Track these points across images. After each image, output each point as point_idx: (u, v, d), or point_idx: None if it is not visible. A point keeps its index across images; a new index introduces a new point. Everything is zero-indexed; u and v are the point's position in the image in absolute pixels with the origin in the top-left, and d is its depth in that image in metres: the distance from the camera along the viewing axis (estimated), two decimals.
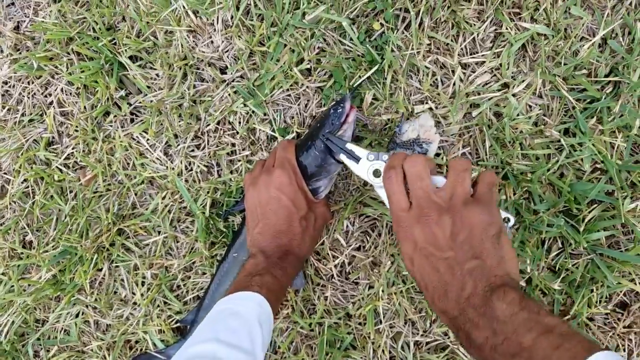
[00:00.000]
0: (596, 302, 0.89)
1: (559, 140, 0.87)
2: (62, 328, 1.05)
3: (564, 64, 0.87)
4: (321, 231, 0.91)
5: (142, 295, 1.01)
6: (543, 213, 0.87)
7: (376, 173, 0.75)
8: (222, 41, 0.92)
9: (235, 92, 0.93)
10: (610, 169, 0.85)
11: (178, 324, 1.01)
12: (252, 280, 0.75)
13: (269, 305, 0.72)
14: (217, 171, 0.97)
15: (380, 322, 0.95)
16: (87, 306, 1.03)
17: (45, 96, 1.01)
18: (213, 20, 0.92)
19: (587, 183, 0.86)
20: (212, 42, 0.93)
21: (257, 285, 0.74)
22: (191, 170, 0.96)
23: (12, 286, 1.05)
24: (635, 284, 0.87)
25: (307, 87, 0.91)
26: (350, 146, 0.78)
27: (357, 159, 0.77)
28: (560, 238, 0.90)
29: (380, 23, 0.89)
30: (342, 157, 0.78)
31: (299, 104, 0.93)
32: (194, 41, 0.94)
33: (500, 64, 0.88)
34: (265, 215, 0.82)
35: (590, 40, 0.86)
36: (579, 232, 0.86)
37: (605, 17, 0.86)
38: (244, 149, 0.95)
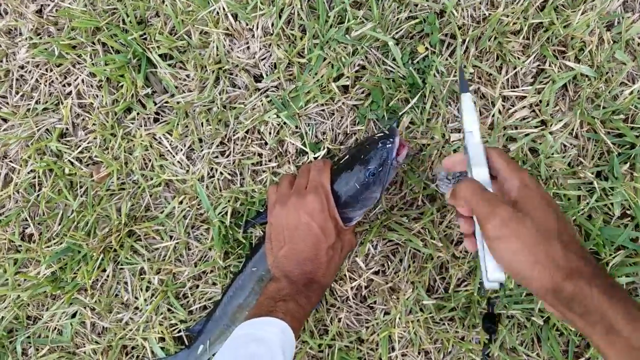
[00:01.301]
0: None
1: (592, 183, 0.88)
2: (55, 327, 1.01)
3: (603, 107, 0.88)
4: (345, 258, 0.90)
5: (145, 300, 0.98)
6: None
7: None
8: (260, 48, 0.90)
9: (269, 102, 0.91)
10: (638, 215, 0.87)
11: (181, 333, 0.99)
12: (277, 305, 0.74)
13: (292, 334, 0.71)
14: (240, 180, 0.94)
15: (393, 349, 0.94)
16: (85, 307, 1.00)
17: (64, 85, 0.97)
18: (253, 25, 0.89)
19: (615, 228, 0.88)
20: (248, 48, 0.91)
21: (281, 312, 0.73)
22: (213, 177, 0.94)
23: (7, 280, 1.00)
24: None
25: (344, 103, 0.90)
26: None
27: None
28: None
29: (426, 47, 0.88)
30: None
31: (332, 120, 0.92)
32: (230, 45, 0.91)
33: (541, 101, 0.89)
34: (292, 239, 0.80)
35: (631, 87, 0.87)
36: None
37: None
38: (270, 160, 0.93)
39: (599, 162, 0.89)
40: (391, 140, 0.77)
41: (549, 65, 0.88)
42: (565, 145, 0.90)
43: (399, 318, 0.92)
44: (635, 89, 0.87)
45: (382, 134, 0.79)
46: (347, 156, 0.83)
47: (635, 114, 0.88)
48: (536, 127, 0.89)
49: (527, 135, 0.89)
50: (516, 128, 0.89)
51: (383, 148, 0.78)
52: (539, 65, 0.89)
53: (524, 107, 0.89)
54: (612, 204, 0.88)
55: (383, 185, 0.79)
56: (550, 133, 0.88)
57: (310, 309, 0.79)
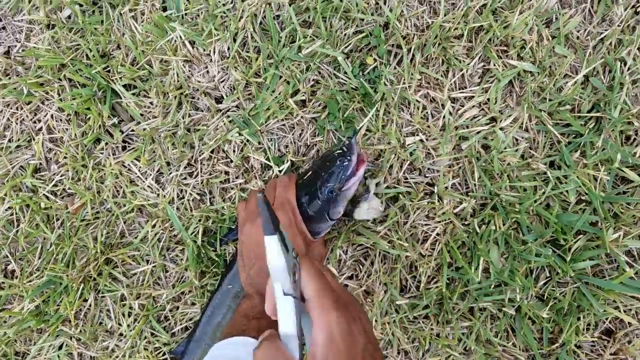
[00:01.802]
0: (583, 329, 0.93)
1: (545, 173, 0.92)
2: None
3: (549, 100, 0.93)
4: None
5: (128, 326, 1.00)
6: (531, 243, 0.91)
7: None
8: (218, 71, 0.95)
9: (230, 121, 0.95)
10: (594, 200, 0.90)
11: (166, 356, 1.01)
12: (250, 323, 0.75)
13: None
14: (210, 199, 0.98)
15: None
16: (71, 338, 1.02)
17: (35, 122, 1.01)
18: (210, 51, 0.94)
19: (573, 214, 0.91)
20: (208, 72, 0.96)
21: (254, 330, 0.74)
22: (183, 198, 0.98)
23: None
24: (620, 311, 0.91)
25: (302, 117, 0.95)
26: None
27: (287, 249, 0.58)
28: (548, 267, 0.94)
29: (374, 58, 0.93)
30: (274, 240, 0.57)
31: (293, 133, 0.96)
32: (189, 71, 0.96)
33: (488, 99, 0.93)
34: (263, 256, 0.81)
35: (574, 78, 0.92)
36: (565, 261, 0.90)
37: (587, 56, 0.93)
38: (237, 177, 0.97)
39: (551, 152, 0.94)
40: (349, 158, 0.81)
41: (493, 65, 0.93)
42: (516, 139, 0.94)
43: (376, 320, 0.95)
44: (578, 79, 0.92)
45: (340, 151, 0.83)
46: (310, 172, 0.86)
47: (580, 104, 0.93)
48: (487, 124, 0.93)
49: (478, 133, 0.93)
50: (467, 127, 0.94)
51: (341, 166, 0.81)
52: (483, 65, 0.94)
53: (473, 106, 0.94)
54: (567, 191, 0.92)
55: (341, 200, 0.83)
56: (501, 129, 0.93)
57: None
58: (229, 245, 0.98)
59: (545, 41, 0.93)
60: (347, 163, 0.81)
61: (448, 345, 0.94)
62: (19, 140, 1.01)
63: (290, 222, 0.82)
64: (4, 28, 1.02)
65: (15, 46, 1.01)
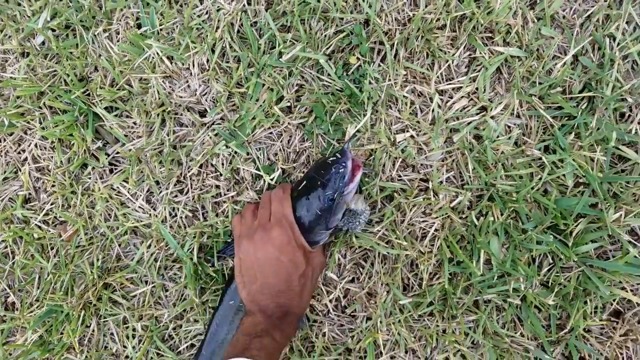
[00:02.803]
0: (591, 313, 0.93)
1: (540, 158, 0.91)
2: None
3: (539, 84, 0.92)
4: (318, 280, 0.94)
5: (133, 348, 1.01)
6: (531, 231, 0.90)
7: None
8: (200, 85, 0.94)
9: (216, 135, 0.95)
10: (592, 182, 0.90)
11: None
12: (252, 343, 0.76)
13: None
14: (203, 214, 0.98)
15: (381, 353, 0.97)
16: None
17: (19, 153, 1.01)
18: (189, 64, 0.94)
19: (571, 198, 0.91)
20: (189, 86, 0.95)
21: (255, 349, 0.75)
22: (175, 216, 0.98)
23: None
24: (627, 292, 0.91)
25: (289, 124, 0.94)
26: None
27: None
28: (551, 254, 0.93)
29: (357, 57, 0.92)
30: None
31: (281, 141, 0.95)
32: (170, 87, 0.95)
33: (477, 88, 0.93)
34: (264, 274, 0.83)
35: (563, 59, 0.92)
36: (567, 246, 0.90)
37: (575, 35, 0.92)
38: (229, 190, 0.97)
39: (545, 137, 0.93)
40: (344, 164, 0.81)
41: (479, 53, 0.92)
42: (508, 127, 0.94)
43: (380, 322, 0.95)
44: (567, 60, 0.91)
45: (334, 158, 0.83)
46: (305, 182, 0.86)
47: (571, 85, 0.92)
48: (477, 114, 0.93)
49: (469, 123, 0.92)
50: (457, 119, 0.93)
51: (337, 173, 0.81)
52: (469, 54, 0.93)
53: (462, 97, 0.93)
54: (564, 175, 0.91)
55: (340, 208, 0.83)
56: (492, 117, 0.92)
57: (285, 342, 0.82)
58: (226, 260, 0.98)
59: (530, 24, 0.92)
60: (342, 170, 0.81)
61: (455, 340, 0.94)
62: (5, 172, 1.01)
63: (289, 239, 0.82)
64: None
65: None
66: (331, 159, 0.84)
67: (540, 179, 0.91)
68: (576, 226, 0.91)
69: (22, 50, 0.98)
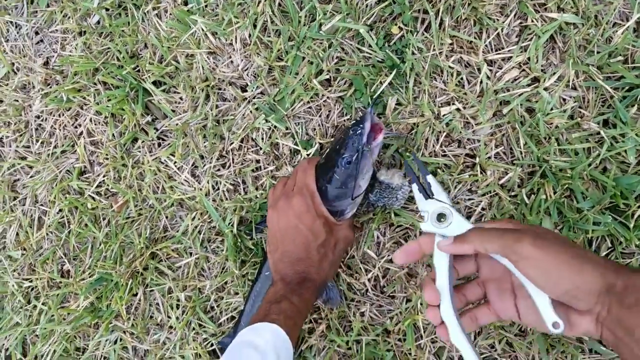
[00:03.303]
0: None
1: (599, 133, 0.85)
2: (102, 355, 1.10)
3: (597, 52, 0.85)
4: (343, 253, 0.93)
5: (177, 318, 1.04)
6: (587, 211, 0.84)
7: (440, 217, 0.68)
8: (242, 60, 0.96)
9: (256, 109, 0.96)
10: None
11: (214, 347, 1.04)
12: (271, 308, 0.78)
13: (285, 333, 0.74)
14: (244, 188, 1.00)
15: (421, 337, 0.94)
16: (124, 332, 1.07)
17: (76, 127, 1.08)
18: (232, 40, 0.96)
19: (633, 176, 0.84)
20: (232, 61, 0.97)
21: (274, 314, 0.77)
22: (218, 189, 1.00)
23: (53, 315, 1.10)
24: None
25: (328, 97, 0.93)
26: (430, 179, 0.71)
27: (427, 196, 0.70)
28: (609, 237, 0.86)
29: (399, 27, 0.90)
30: (414, 187, 0.72)
31: (320, 115, 0.95)
32: (214, 62, 0.98)
33: (529, 58, 0.87)
34: (283, 242, 0.85)
35: (624, 25, 0.85)
36: (629, 228, 0.83)
37: (638, 0, 0.85)
38: (268, 164, 0.98)
39: (603, 109, 0.86)
40: (361, 126, 0.80)
41: (531, 21, 0.87)
42: (563, 99, 0.88)
43: (421, 304, 0.92)
44: (630, 26, 0.84)
45: (354, 122, 0.82)
46: (327, 150, 0.86)
47: (633, 53, 0.85)
48: (529, 85, 0.88)
49: (520, 95, 0.87)
50: (508, 90, 0.88)
51: (354, 135, 0.80)
52: (520, 22, 0.89)
53: (512, 67, 0.88)
54: (625, 151, 0.84)
55: (360, 172, 0.81)
56: (545, 89, 0.87)
57: (305, 306, 0.82)
58: (264, 232, 0.99)
59: None
60: (360, 131, 0.80)
61: (502, 327, 0.90)
62: (63, 145, 1.08)
63: (308, 207, 0.82)
64: (41, 40, 1.09)
65: (53, 56, 1.07)
66: (352, 122, 0.83)
67: (598, 155, 0.84)
68: (638, 207, 0.83)
69: (79, 30, 1.05)
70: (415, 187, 0.71)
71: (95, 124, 1.06)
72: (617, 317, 0.55)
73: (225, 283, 1.02)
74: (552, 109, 0.87)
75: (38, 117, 1.09)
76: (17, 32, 1.10)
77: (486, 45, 0.89)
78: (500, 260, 0.62)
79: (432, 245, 0.67)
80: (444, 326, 0.64)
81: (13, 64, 1.10)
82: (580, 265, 0.56)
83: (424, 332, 0.93)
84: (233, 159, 0.99)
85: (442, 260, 0.66)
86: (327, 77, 0.93)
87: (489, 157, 0.90)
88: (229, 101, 0.98)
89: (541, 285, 0.58)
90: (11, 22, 1.10)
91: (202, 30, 0.96)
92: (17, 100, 1.09)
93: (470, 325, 0.66)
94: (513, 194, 0.89)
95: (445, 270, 0.65)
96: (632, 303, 0.54)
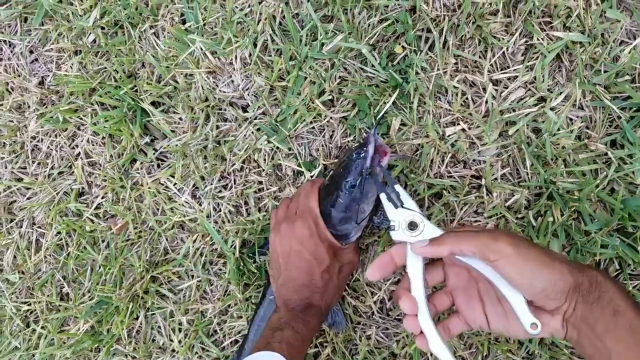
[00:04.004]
0: None
1: (606, 154, 0.85)
2: None
3: (604, 72, 0.85)
4: (347, 278, 0.92)
5: (179, 342, 1.03)
6: (595, 233, 0.84)
7: (411, 225, 0.69)
8: (242, 79, 0.95)
9: (258, 130, 0.95)
10: None
11: None
12: (273, 336, 0.78)
13: None
14: (246, 210, 0.99)
15: None
16: (126, 356, 1.07)
17: (73, 148, 1.07)
18: (231, 59, 0.95)
19: None
20: (232, 81, 0.96)
21: (276, 342, 0.76)
22: (219, 211, 0.99)
23: (52, 339, 1.09)
24: None
25: (331, 118, 0.93)
26: (399, 188, 0.72)
27: (397, 205, 0.70)
28: (617, 259, 0.86)
29: (402, 46, 0.89)
30: (382, 197, 0.72)
31: (323, 136, 0.94)
32: (214, 82, 0.97)
33: (535, 77, 0.87)
34: (287, 267, 0.84)
35: (631, 44, 0.84)
36: (637, 251, 0.83)
37: None
38: (270, 186, 0.97)
39: (611, 130, 0.86)
40: (365, 149, 0.79)
41: (537, 40, 0.87)
42: (570, 119, 0.87)
43: None
44: (637, 44, 0.84)
45: (358, 144, 0.81)
46: (331, 173, 0.85)
47: None
48: (535, 105, 0.87)
49: (526, 115, 0.87)
50: (513, 110, 0.88)
51: (357, 158, 0.79)
52: (526, 41, 0.88)
53: (518, 87, 0.88)
54: (633, 172, 0.84)
55: (364, 196, 0.80)
56: (552, 109, 0.86)
57: (309, 334, 0.81)
58: (267, 255, 0.98)
59: (593, 6, 0.85)
60: (363, 155, 0.79)
61: (509, 350, 0.89)
62: (60, 167, 1.07)
63: (311, 232, 0.82)
64: (36, 60, 1.08)
65: (48, 76, 1.06)
66: (356, 145, 0.82)
67: (606, 176, 0.84)
68: None
69: (74, 49, 1.03)
70: (383, 196, 0.72)
71: (92, 145, 1.05)
72: (582, 313, 0.59)
73: (229, 306, 1.02)
74: (558, 130, 0.86)
75: (34, 137, 1.08)
76: (11, 51, 1.09)
77: (491, 65, 0.88)
78: (471, 264, 0.63)
79: (404, 256, 0.68)
80: (422, 336, 0.65)
81: (7, 83, 1.09)
82: (552, 263, 0.59)
83: (431, 356, 0.93)
84: (235, 180, 0.98)
85: (416, 268, 0.67)
86: (330, 97, 0.92)
87: (495, 179, 0.89)
88: (230, 122, 0.98)
89: (518, 284, 0.60)
90: (4, 40, 1.09)
91: (201, 49, 0.95)
92: (12, 121, 1.08)
93: (443, 336, 0.67)
94: (520, 216, 0.89)
95: (419, 278, 0.67)
96: (594, 299, 0.58)
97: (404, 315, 0.67)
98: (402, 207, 0.70)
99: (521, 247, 0.59)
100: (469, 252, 0.61)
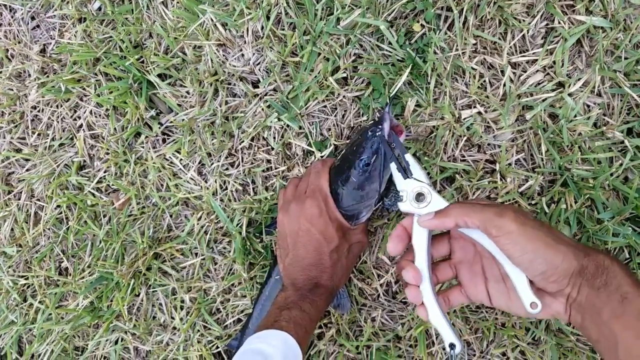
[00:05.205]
0: None
1: (623, 142, 0.85)
2: (102, 355, 1.09)
3: (625, 58, 0.85)
4: (356, 259, 0.93)
5: (181, 319, 1.03)
6: (608, 222, 0.85)
7: (419, 197, 0.72)
8: (253, 54, 0.94)
9: (268, 107, 0.94)
10: None
11: (219, 349, 1.04)
12: (281, 315, 0.78)
13: (295, 341, 0.74)
14: (253, 188, 0.98)
15: (433, 343, 0.95)
16: (126, 332, 1.07)
17: (75, 119, 1.05)
18: (243, 32, 0.93)
19: None
20: (242, 55, 0.94)
21: (284, 321, 0.76)
22: (226, 189, 0.98)
23: (50, 314, 1.09)
24: None
25: (344, 96, 0.92)
26: (409, 158, 0.74)
27: (406, 175, 0.74)
28: (628, 248, 0.87)
29: (421, 24, 0.88)
30: (392, 166, 0.76)
31: (335, 115, 0.93)
32: (224, 55, 0.95)
33: (554, 62, 0.87)
34: (295, 246, 0.84)
35: None
36: None
37: None
38: (279, 165, 0.96)
39: (628, 118, 0.86)
40: (380, 127, 0.78)
41: (558, 23, 0.86)
42: (587, 105, 0.87)
43: None
44: None
45: (372, 122, 0.80)
46: (343, 152, 0.85)
47: None
48: (553, 90, 0.87)
49: (544, 100, 0.87)
50: (531, 95, 0.88)
51: (373, 136, 0.78)
52: (547, 24, 0.87)
53: (537, 71, 0.88)
54: None
55: (382, 175, 0.80)
56: (570, 95, 0.86)
57: (316, 314, 0.81)
58: (274, 235, 0.98)
59: None
60: (379, 132, 0.78)
61: (515, 335, 0.91)
62: (61, 138, 1.05)
63: (320, 211, 0.81)
64: (37, 26, 1.05)
65: (50, 43, 1.04)
66: (370, 123, 0.82)
67: (621, 164, 0.85)
68: None
69: (79, 16, 1.01)
70: (393, 165, 0.75)
71: (95, 117, 1.03)
72: (587, 298, 0.59)
73: (233, 285, 1.01)
74: (575, 116, 0.86)
75: (34, 107, 1.06)
76: (12, 16, 1.06)
77: (511, 47, 0.88)
78: (477, 239, 0.65)
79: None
80: (423, 306, 0.68)
81: (7, 50, 1.06)
82: (556, 245, 0.59)
83: (436, 338, 0.94)
84: (242, 158, 0.97)
85: (421, 240, 0.69)
86: (344, 75, 0.91)
87: (510, 164, 0.89)
88: (239, 97, 0.96)
89: (518, 262, 0.61)
90: (5, 5, 1.06)
91: (212, 20, 0.93)
92: (12, 89, 1.06)
93: (443, 306, 0.69)
94: (533, 202, 0.89)
95: (424, 250, 0.69)
96: (601, 284, 0.58)
97: (406, 285, 0.68)
98: (412, 177, 0.72)
99: (527, 225, 0.59)
100: (473, 225, 0.62)
